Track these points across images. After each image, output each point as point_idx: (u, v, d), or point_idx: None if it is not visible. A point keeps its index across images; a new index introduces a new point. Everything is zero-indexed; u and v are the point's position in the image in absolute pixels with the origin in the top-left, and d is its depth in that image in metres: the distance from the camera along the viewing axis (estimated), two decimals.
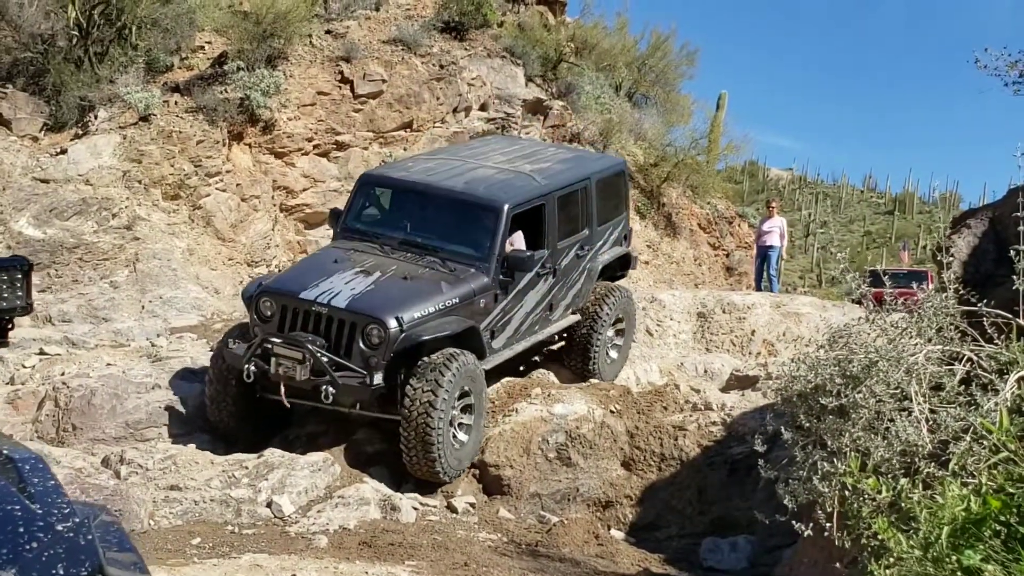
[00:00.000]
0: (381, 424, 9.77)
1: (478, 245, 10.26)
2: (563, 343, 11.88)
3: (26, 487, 3.29)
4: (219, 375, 9.95)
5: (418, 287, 9.77)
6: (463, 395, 9.46)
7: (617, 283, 12.32)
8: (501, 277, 10.22)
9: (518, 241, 10.76)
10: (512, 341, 10.67)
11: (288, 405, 9.52)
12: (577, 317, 11.62)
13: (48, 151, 15.91)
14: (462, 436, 9.54)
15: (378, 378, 9.26)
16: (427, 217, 10.73)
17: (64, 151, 15.82)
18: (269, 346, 9.38)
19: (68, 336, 12.61)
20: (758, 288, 20.48)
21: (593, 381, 11.34)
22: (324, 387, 9.19)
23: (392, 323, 9.26)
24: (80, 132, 16.57)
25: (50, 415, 10.17)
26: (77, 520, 3.21)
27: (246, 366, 9.41)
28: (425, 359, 9.24)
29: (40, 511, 3.16)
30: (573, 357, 11.76)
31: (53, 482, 3.39)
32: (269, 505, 8.73)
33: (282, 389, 9.35)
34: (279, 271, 10.33)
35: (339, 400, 9.32)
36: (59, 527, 3.12)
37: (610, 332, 11.89)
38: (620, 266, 12.67)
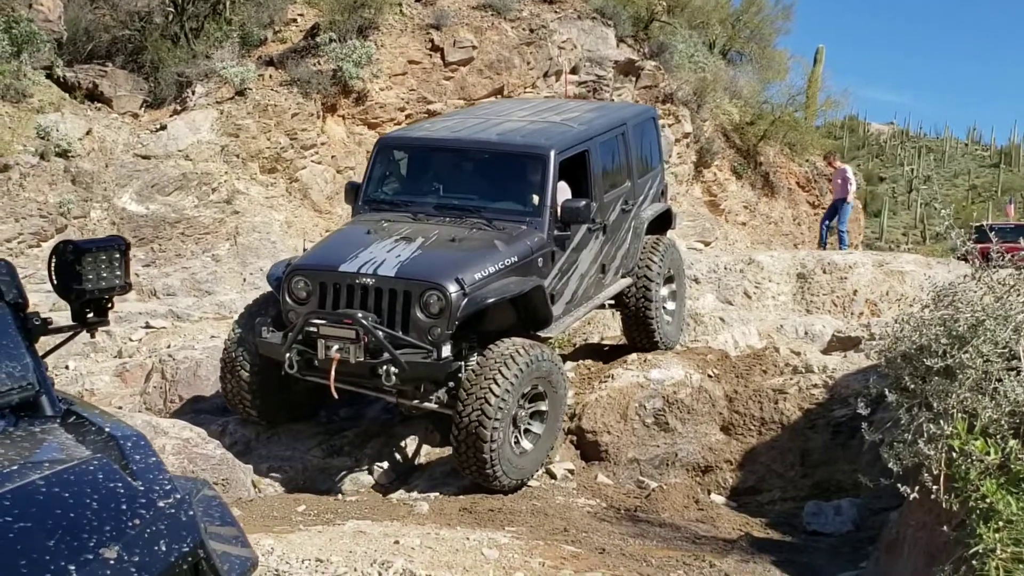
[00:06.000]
0: None
1: (526, 199, 9.17)
2: (618, 311, 10.94)
3: (128, 464, 3.35)
4: (247, 368, 8.95)
5: (471, 248, 8.64)
6: (535, 397, 8.38)
7: (659, 236, 11.15)
8: (556, 233, 9.12)
9: (563, 195, 9.50)
10: (571, 307, 9.60)
11: (336, 396, 8.26)
12: (629, 280, 10.56)
13: (148, 127, 16.21)
14: (526, 443, 8.37)
15: (447, 351, 8.11)
16: (461, 177, 9.74)
17: (164, 127, 16.11)
18: (313, 328, 8.20)
19: (173, 309, 12.87)
20: (821, 245, 20.08)
21: (691, 346, 11.16)
22: (385, 367, 8.01)
23: (452, 287, 8.05)
24: (179, 108, 16.88)
25: (157, 387, 10.39)
26: (178, 496, 3.25)
27: (288, 355, 8.32)
28: (493, 346, 8.15)
29: (142, 488, 3.21)
30: (634, 329, 10.78)
31: (155, 459, 3.44)
32: (370, 473, 8.83)
33: (332, 375, 8.03)
34: (305, 251, 9.51)
35: (401, 383, 8.17)
36: (160, 503, 3.17)
37: (664, 291, 10.95)
38: (661, 224, 11.41)
